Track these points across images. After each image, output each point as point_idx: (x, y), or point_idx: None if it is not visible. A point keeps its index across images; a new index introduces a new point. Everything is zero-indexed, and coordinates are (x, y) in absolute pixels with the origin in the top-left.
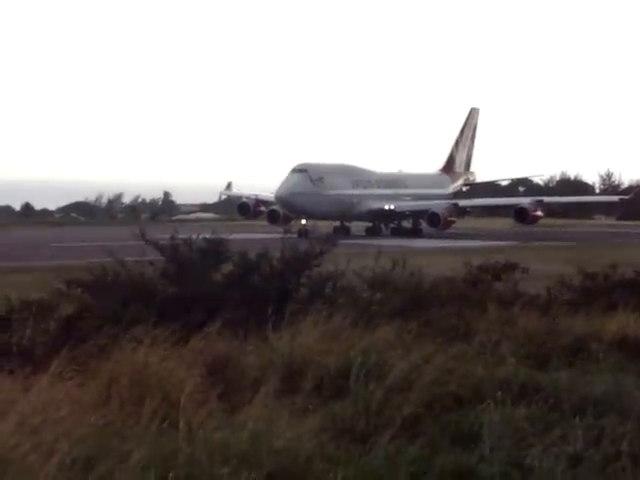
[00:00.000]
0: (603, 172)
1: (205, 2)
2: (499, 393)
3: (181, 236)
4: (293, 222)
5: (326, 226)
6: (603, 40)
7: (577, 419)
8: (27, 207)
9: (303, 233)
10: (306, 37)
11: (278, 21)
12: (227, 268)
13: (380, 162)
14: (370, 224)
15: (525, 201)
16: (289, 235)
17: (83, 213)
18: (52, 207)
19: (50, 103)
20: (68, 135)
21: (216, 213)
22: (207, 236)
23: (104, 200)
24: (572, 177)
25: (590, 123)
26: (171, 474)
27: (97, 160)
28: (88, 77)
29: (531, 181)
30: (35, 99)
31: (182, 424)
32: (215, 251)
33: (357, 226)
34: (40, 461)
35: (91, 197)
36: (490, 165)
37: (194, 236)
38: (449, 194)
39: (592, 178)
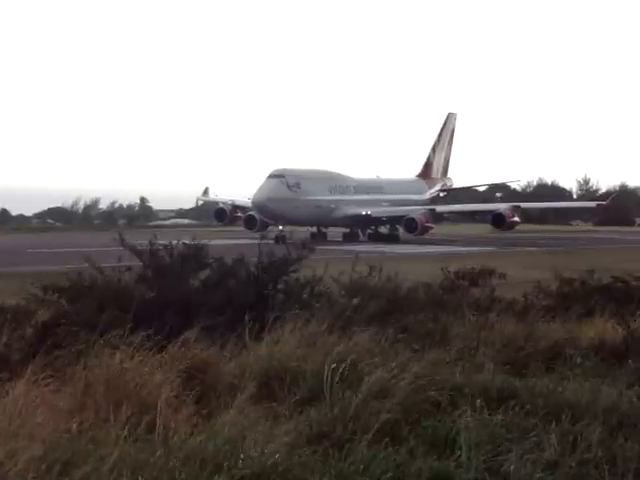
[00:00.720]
0: (580, 178)
1: (182, 15)
2: (477, 399)
3: (159, 241)
4: (270, 228)
5: (303, 232)
6: (579, 45)
7: (553, 425)
8: (3, 213)
9: (280, 239)
10: (281, 44)
11: (255, 29)
12: (204, 274)
13: (357, 167)
14: (347, 230)
15: (502, 207)
16: (266, 241)
17: (60, 219)
18: (28, 213)
19: (26, 109)
20: (45, 141)
21: (193, 219)
22: (186, 242)
23: (81, 206)
24: (549, 183)
25: (567, 129)
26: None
27: (73, 166)
28: (64, 86)
29: (508, 187)
30: (11, 106)
31: (158, 429)
32: (194, 257)
33: (334, 232)
34: (16, 467)
35: (67, 203)
36: (467, 171)
37: (174, 242)
38: (426, 200)
39: (569, 184)
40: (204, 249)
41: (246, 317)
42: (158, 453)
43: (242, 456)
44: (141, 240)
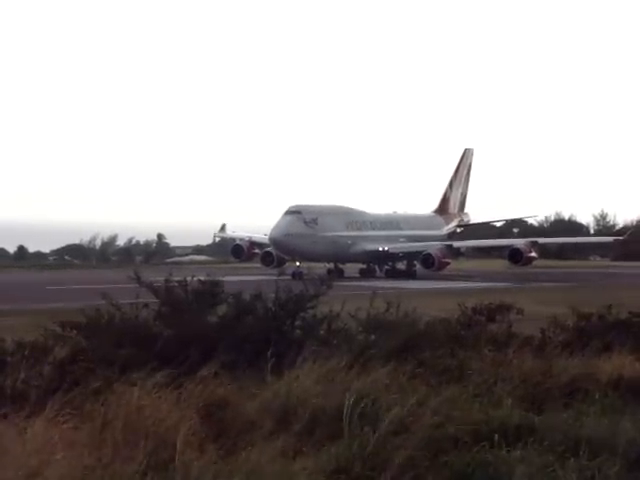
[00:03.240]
0: (597, 213)
1: (205, 48)
2: (495, 435)
3: (176, 278)
4: (287, 264)
5: (320, 268)
6: (595, 80)
7: (571, 460)
8: (21, 250)
9: (297, 275)
10: (298, 78)
11: (267, 61)
12: (222, 310)
13: (374, 203)
14: (364, 265)
15: (519, 242)
16: (283, 277)
17: (77, 256)
18: (46, 249)
19: (42, 145)
20: (62, 176)
21: (210, 255)
22: (202, 278)
23: (98, 242)
24: (566, 218)
25: (584, 164)
26: None
27: (90, 201)
28: (81, 120)
29: (525, 222)
30: (24, 140)
31: (177, 467)
32: (210, 293)
33: (351, 267)
34: None
35: (85, 239)
36: (484, 206)
37: (189, 278)
38: (443, 235)
39: (586, 219)
40: (219, 285)
41: (268, 353)
42: None
43: None
44: (158, 277)
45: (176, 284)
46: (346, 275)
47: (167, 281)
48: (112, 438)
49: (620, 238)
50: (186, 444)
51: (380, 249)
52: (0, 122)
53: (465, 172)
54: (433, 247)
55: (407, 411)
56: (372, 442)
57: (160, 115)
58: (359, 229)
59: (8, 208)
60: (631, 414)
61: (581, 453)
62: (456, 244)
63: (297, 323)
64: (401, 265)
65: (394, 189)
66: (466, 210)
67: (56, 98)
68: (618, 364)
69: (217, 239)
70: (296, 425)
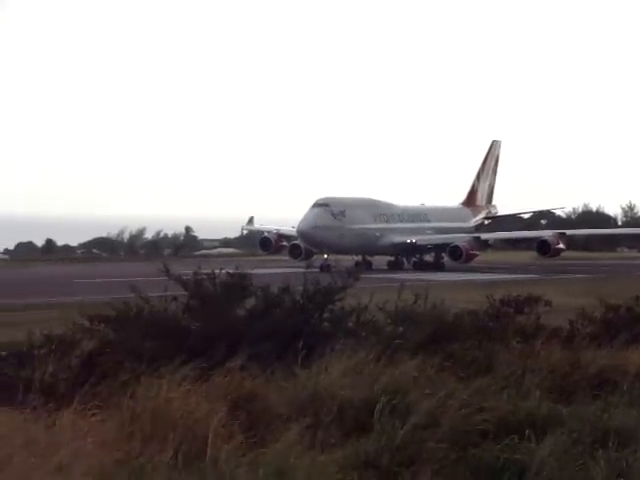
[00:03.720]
0: (625, 204)
1: (224, 41)
2: (524, 427)
3: (204, 271)
4: (315, 257)
5: (348, 260)
6: (625, 71)
7: (600, 452)
8: (49, 243)
9: (325, 267)
10: (328, 71)
11: (297, 56)
12: (250, 303)
13: (402, 195)
14: (392, 258)
15: (547, 234)
16: (311, 270)
17: (105, 249)
18: (74, 243)
19: (70, 139)
20: (89, 169)
21: (238, 248)
22: (230, 271)
23: (126, 235)
24: (594, 209)
25: (612, 155)
26: None
27: (118, 195)
28: (110, 113)
29: (553, 214)
30: (55, 136)
31: (208, 459)
32: (238, 286)
33: (379, 260)
34: None
35: (113, 232)
36: (512, 198)
37: (217, 271)
38: (471, 227)
39: (614, 210)
40: (247, 278)
41: (299, 346)
42: None
43: None
44: (186, 270)
45: (204, 277)
46: (374, 268)
47: (196, 274)
48: (141, 431)
49: None
50: (215, 436)
51: (408, 241)
52: (28, 118)
53: (493, 164)
54: (461, 239)
55: (436, 404)
56: (401, 435)
57: (189, 109)
58: (387, 221)
59: (36, 202)
60: None
61: (610, 444)
62: (484, 236)
63: (325, 315)
64: (429, 257)
65: (422, 181)
66: (494, 202)
67: (85, 92)
68: None
69: (245, 232)
70: (324, 417)
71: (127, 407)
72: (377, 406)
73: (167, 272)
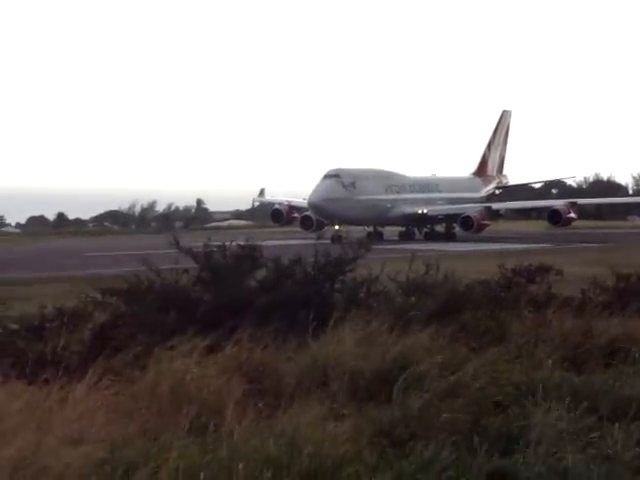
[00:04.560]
0: (636, 173)
1: (234, 16)
2: (536, 396)
3: (215, 243)
4: (326, 228)
5: (359, 231)
6: (632, 39)
7: (613, 421)
8: (61, 217)
9: (336, 239)
10: (338, 43)
11: (306, 29)
12: (261, 275)
13: (413, 166)
14: (403, 228)
15: (558, 203)
16: (322, 241)
17: (116, 222)
18: (85, 216)
19: (83, 113)
20: (101, 144)
21: (249, 220)
22: (240, 243)
23: (137, 209)
24: (605, 178)
25: (623, 125)
26: None
27: (130, 168)
28: (121, 88)
29: (564, 183)
30: (68, 110)
31: (222, 430)
32: (249, 257)
33: (390, 231)
34: (81, 470)
35: (124, 206)
36: (523, 168)
37: (228, 243)
38: (482, 197)
39: (625, 179)
40: (258, 249)
41: (304, 317)
42: (221, 453)
43: (304, 455)
44: (197, 242)
45: (215, 249)
46: (385, 238)
47: (206, 246)
48: (156, 403)
49: None
50: (228, 407)
51: (419, 212)
52: (41, 95)
53: (503, 134)
54: (472, 209)
55: (448, 373)
56: (414, 405)
57: (199, 83)
58: (398, 192)
59: (47, 177)
60: None
61: (623, 414)
62: (495, 206)
63: (336, 286)
64: (440, 228)
65: (433, 152)
66: (505, 172)
67: (93, 73)
68: None
69: (256, 204)
70: (336, 388)
71: (142, 380)
72: (385, 374)
73: (177, 244)
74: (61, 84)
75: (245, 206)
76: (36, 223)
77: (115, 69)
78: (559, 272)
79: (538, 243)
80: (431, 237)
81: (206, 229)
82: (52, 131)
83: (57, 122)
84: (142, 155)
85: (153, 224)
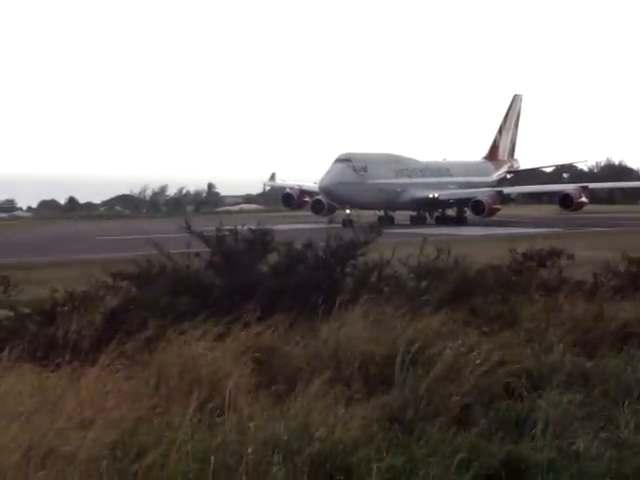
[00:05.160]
0: None
1: (245, 4)
2: (547, 381)
3: (226, 227)
4: (337, 212)
5: (370, 215)
6: None
7: (625, 405)
8: (72, 201)
9: (347, 223)
10: (348, 29)
11: (317, 16)
12: (273, 259)
13: (424, 150)
14: (414, 213)
15: (570, 187)
16: (333, 225)
17: (127, 206)
18: (96, 201)
19: (95, 98)
20: (113, 129)
21: (260, 204)
22: (252, 227)
23: (148, 193)
24: (617, 163)
25: (635, 108)
26: (220, 463)
27: (142, 154)
28: (133, 75)
29: (575, 167)
30: (81, 96)
31: (231, 414)
32: (261, 241)
33: (402, 215)
34: (92, 452)
35: (135, 190)
36: (534, 152)
37: (239, 227)
38: (493, 182)
39: (637, 163)
40: (269, 233)
41: (316, 301)
42: (230, 437)
43: (315, 439)
44: (209, 226)
45: (227, 233)
46: (396, 223)
47: (218, 230)
48: (166, 386)
49: None
50: (238, 391)
51: (430, 196)
52: (54, 81)
53: (514, 118)
54: (483, 193)
55: (459, 357)
56: (424, 389)
57: (209, 71)
58: (409, 176)
59: (59, 161)
60: None
61: (634, 398)
62: (506, 190)
63: (348, 270)
64: (451, 212)
65: (444, 136)
66: (516, 156)
67: (106, 61)
68: None
69: (267, 188)
70: (347, 373)
71: (153, 363)
72: (396, 358)
73: (189, 228)
74: (74, 70)
75: (256, 190)
76: (47, 207)
77: (128, 57)
78: (570, 256)
79: (549, 227)
80: (442, 221)
81: (217, 213)
82: (64, 117)
83: (69, 108)
84: (154, 141)
85: (164, 208)
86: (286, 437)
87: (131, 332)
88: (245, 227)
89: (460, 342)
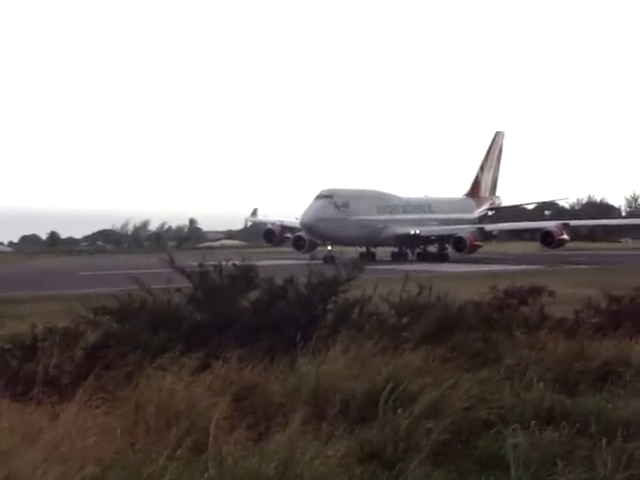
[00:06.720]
0: (629, 195)
1: (223, 37)
2: (527, 418)
3: (209, 263)
4: (319, 248)
5: (352, 251)
6: (625, 62)
7: (604, 443)
8: (53, 235)
9: (329, 259)
10: (329, 64)
11: (297, 51)
12: (254, 295)
13: (406, 187)
14: (396, 249)
15: (551, 224)
16: (315, 261)
17: (109, 241)
18: (78, 236)
19: (75, 133)
20: (94, 164)
21: (242, 240)
22: (236, 262)
23: (130, 228)
24: (598, 200)
25: (616, 147)
26: None
27: (123, 188)
28: (112, 109)
29: (557, 204)
30: (60, 129)
31: (210, 451)
32: (245, 277)
33: (383, 251)
34: None
35: (117, 225)
36: (516, 189)
37: (223, 262)
38: (475, 218)
39: (618, 201)
40: (254, 269)
41: (296, 337)
42: (210, 473)
43: (294, 477)
44: (190, 262)
45: (210, 268)
46: (378, 259)
47: (201, 265)
48: (144, 422)
49: None
50: (218, 428)
51: (412, 232)
52: (32, 114)
53: (496, 155)
54: (465, 230)
55: (439, 394)
56: (404, 425)
57: (189, 103)
58: (391, 213)
59: (40, 196)
60: None
61: (615, 436)
62: (488, 227)
63: (329, 307)
64: (433, 248)
65: (425, 173)
66: (497, 193)
67: (86, 87)
68: None
69: (249, 223)
70: (328, 409)
71: (131, 399)
72: (376, 394)
73: (172, 263)
74: (53, 106)
75: (238, 226)
76: (29, 242)
77: (105, 90)
78: (551, 293)
79: (530, 264)
80: (424, 258)
81: (199, 249)
82: (44, 152)
83: (49, 142)
84: (136, 175)
85: (146, 243)
86: (266, 473)
87: (111, 367)
88: (229, 263)
89: (441, 379)
